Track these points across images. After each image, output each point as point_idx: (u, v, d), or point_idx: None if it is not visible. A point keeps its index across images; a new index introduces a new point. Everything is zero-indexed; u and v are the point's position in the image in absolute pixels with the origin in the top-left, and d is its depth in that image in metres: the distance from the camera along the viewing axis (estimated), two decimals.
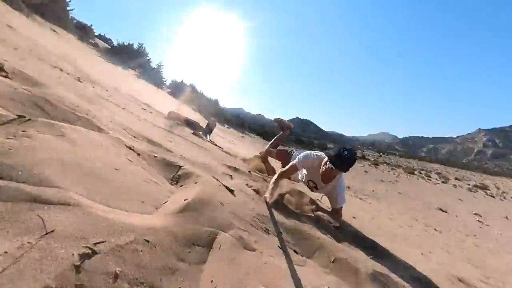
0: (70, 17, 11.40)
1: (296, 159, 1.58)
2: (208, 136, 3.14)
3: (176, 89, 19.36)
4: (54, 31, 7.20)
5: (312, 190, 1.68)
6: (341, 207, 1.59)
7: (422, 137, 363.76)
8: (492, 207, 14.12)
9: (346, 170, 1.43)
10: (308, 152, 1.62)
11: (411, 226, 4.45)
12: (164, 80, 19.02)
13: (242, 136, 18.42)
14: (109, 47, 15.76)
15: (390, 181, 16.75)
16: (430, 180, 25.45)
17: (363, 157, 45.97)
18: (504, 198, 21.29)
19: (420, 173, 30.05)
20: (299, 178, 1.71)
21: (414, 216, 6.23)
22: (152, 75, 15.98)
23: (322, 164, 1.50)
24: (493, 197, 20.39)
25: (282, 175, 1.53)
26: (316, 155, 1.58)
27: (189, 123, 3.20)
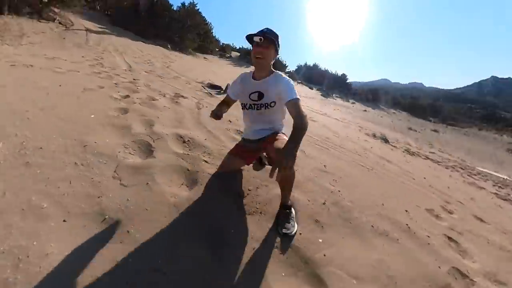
0: (217, 43, 18.95)
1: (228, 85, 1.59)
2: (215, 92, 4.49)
3: (297, 72, 22.29)
4: (205, 58, 12.67)
5: (258, 106, 1.28)
6: (296, 101, 1.13)
7: None
8: None
9: (275, 40, 1.18)
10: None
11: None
12: (286, 66, 21.45)
13: (365, 110, 16.33)
14: (238, 54, 20.75)
15: None
16: None
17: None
18: None
19: None
20: (244, 106, 1.36)
21: None
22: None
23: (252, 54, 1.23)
24: None
25: (222, 101, 1.44)
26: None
27: (212, 86, 4.86)
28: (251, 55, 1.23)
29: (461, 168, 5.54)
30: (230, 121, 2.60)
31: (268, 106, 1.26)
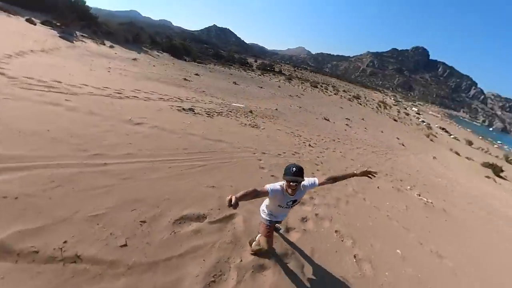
0: None
1: (269, 189, 1.83)
2: None
3: None
4: None
5: (292, 206, 2.06)
6: (317, 179, 2.04)
7: (329, 54, 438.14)
8: (357, 112, 23.29)
9: (303, 177, 1.82)
10: (273, 185, 1.89)
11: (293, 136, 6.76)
12: None
13: (135, 59, 13.80)
14: None
15: (297, 95, 21.57)
16: (327, 92, 35.72)
17: (280, 72, 49.88)
18: (366, 105, 33.61)
19: (322, 86, 40.75)
20: (281, 206, 1.99)
21: (301, 128, 9.22)
22: None
23: (285, 188, 1.86)
24: (361, 104, 31.97)
25: (255, 190, 1.72)
26: (277, 184, 1.92)
27: None
28: (286, 184, 1.83)
29: (229, 112, 8.74)
30: (143, 223, 2.01)
31: (296, 204, 2.08)
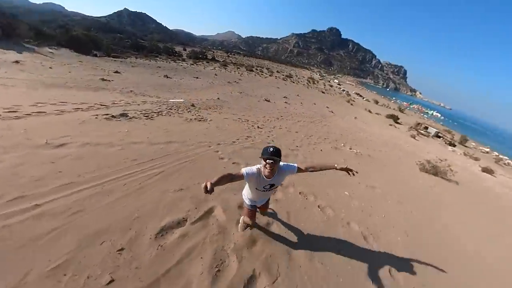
0: None
1: (244, 172, 1.80)
2: None
3: None
4: None
5: (270, 190, 2.01)
6: (297, 166, 1.99)
7: (259, 37, 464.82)
8: (292, 90, 24.92)
9: (280, 157, 1.79)
10: (250, 168, 1.85)
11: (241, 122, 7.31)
12: None
13: (17, 62, 10.17)
14: None
15: (235, 81, 21.61)
16: (263, 74, 36.08)
17: (214, 59, 47.44)
18: (298, 82, 36.80)
19: (257, 69, 40.57)
20: (259, 190, 1.96)
21: (246, 113, 9.48)
22: None
23: (262, 168, 1.83)
24: (294, 82, 34.58)
25: (229, 174, 1.69)
26: (254, 167, 1.88)
27: None
28: (263, 164, 1.79)
29: (170, 109, 8.09)
30: (121, 251, 1.72)
31: (275, 189, 2.07)
